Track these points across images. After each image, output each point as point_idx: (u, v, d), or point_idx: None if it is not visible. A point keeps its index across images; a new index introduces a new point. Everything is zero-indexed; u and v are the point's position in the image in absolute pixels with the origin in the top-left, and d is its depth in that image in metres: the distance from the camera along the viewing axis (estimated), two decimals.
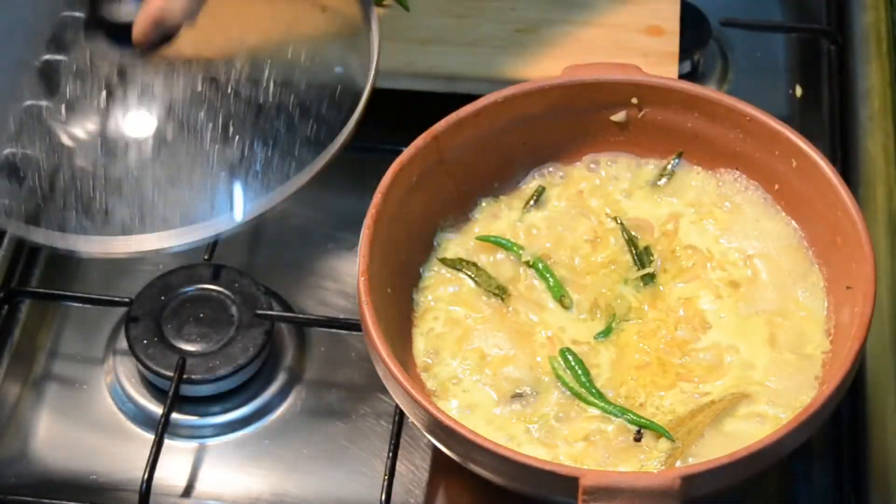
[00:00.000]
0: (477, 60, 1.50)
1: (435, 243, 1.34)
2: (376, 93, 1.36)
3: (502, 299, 1.30)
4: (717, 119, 1.34)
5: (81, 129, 1.31)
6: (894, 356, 1.32)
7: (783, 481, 1.32)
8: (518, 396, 1.25)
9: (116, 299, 1.41)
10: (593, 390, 1.24)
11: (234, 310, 1.40)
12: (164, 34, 1.25)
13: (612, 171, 1.38)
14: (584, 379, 1.24)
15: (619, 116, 1.36)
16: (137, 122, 1.30)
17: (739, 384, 1.24)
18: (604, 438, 1.22)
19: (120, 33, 1.28)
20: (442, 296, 1.31)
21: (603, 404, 1.23)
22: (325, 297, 1.44)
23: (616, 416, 1.22)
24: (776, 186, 1.33)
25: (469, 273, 1.32)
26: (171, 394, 1.34)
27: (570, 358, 1.25)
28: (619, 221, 1.34)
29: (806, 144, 1.30)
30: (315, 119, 1.31)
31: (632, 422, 1.22)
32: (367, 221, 1.26)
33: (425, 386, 1.26)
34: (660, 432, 1.21)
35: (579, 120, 1.36)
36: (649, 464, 1.20)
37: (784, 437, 1.14)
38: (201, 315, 1.40)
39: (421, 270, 1.33)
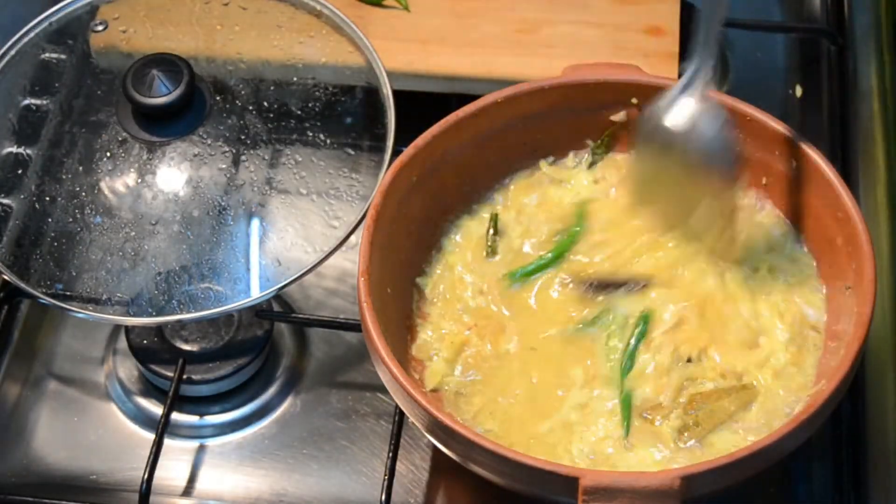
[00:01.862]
0: (477, 60, 1.50)
1: (442, 243, 1.34)
2: (376, 91, 1.36)
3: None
4: None
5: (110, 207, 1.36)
6: (894, 356, 1.32)
7: (783, 481, 1.32)
8: None
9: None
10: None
11: None
12: None
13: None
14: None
15: (619, 116, 1.36)
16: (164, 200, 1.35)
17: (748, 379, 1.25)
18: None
19: (149, 116, 1.34)
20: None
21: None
22: (325, 297, 1.44)
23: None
24: (776, 186, 1.33)
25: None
26: (171, 394, 1.34)
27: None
28: None
29: (806, 144, 1.30)
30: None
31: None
32: (367, 221, 1.26)
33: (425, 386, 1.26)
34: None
35: (579, 120, 1.36)
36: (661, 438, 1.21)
37: (784, 437, 1.14)
38: None
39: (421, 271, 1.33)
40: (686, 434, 1.20)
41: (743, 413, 1.22)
